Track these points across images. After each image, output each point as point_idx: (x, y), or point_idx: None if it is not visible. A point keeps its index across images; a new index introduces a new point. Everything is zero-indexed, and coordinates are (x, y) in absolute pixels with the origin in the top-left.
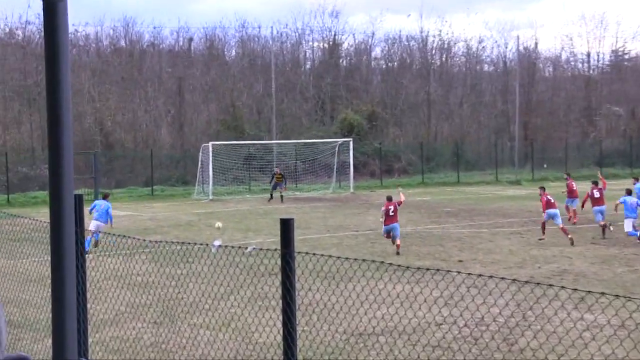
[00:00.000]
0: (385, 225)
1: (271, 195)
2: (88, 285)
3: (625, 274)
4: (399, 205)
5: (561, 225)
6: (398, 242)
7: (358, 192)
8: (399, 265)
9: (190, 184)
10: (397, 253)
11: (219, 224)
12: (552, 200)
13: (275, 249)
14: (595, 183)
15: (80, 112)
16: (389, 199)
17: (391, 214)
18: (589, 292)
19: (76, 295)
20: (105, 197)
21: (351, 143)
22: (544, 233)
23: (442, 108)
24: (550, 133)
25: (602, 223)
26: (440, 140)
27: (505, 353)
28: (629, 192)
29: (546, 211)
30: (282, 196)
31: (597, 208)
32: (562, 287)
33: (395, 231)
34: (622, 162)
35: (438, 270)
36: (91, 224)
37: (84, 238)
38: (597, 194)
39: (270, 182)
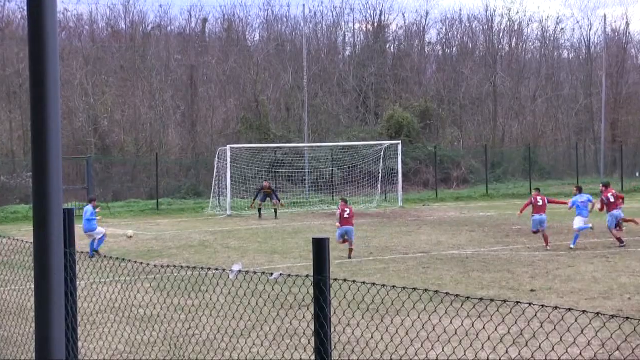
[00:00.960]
0: (339, 227)
1: (260, 212)
2: (80, 319)
3: None
4: None
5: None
6: (352, 246)
7: (408, 207)
8: (457, 296)
9: (204, 196)
10: (350, 257)
11: (130, 232)
12: (541, 204)
13: (307, 275)
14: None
15: (70, 108)
16: (344, 201)
17: (346, 216)
18: None
19: (64, 331)
20: (90, 202)
21: (400, 146)
22: (547, 243)
23: (511, 104)
24: None
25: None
26: (509, 143)
27: None
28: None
29: (532, 217)
30: (276, 210)
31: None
32: None
33: (350, 235)
34: None
35: (505, 301)
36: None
37: (74, 261)
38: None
39: (255, 199)
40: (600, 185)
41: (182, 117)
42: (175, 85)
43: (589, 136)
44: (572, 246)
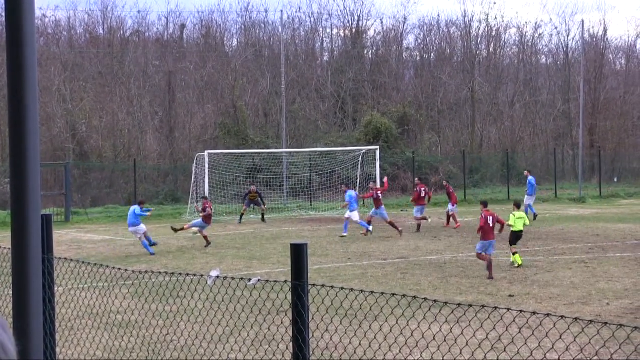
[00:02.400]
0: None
1: (241, 217)
2: (58, 324)
3: None
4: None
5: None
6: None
7: (387, 212)
8: (435, 301)
9: (182, 202)
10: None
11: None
12: (491, 224)
13: (285, 281)
14: None
15: (48, 114)
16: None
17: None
18: None
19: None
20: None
21: (378, 152)
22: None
23: (489, 109)
24: (623, 139)
25: None
26: (487, 148)
27: None
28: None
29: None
30: (263, 214)
31: None
32: (636, 327)
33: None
34: None
35: (483, 306)
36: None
37: (52, 267)
38: None
39: (243, 202)
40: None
41: (160, 123)
42: (153, 91)
43: (567, 142)
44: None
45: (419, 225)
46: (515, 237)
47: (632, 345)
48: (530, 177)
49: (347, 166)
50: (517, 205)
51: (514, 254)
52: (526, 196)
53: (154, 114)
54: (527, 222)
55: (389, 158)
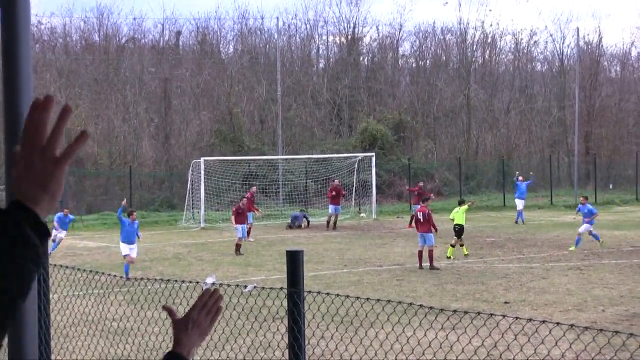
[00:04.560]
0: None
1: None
2: (53, 332)
3: None
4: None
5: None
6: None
7: (382, 219)
8: (431, 308)
9: (178, 209)
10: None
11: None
12: (423, 219)
13: (281, 288)
14: None
15: None
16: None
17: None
18: None
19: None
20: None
21: (373, 159)
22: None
23: (484, 116)
24: (618, 146)
25: None
26: (482, 155)
27: None
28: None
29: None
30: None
31: None
32: (632, 334)
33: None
34: None
35: (479, 313)
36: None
37: (47, 274)
38: None
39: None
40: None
41: (155, 130)
42: (148, 97)
43: (562, 148)
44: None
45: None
46: (455, 230)
47: (628, 352)
48: (520, 182)
49: (343, 173)
50: (460, 203)
51: (452, 245)
52: (522, 201)
53: (150, 121)
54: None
55: (384, 165)
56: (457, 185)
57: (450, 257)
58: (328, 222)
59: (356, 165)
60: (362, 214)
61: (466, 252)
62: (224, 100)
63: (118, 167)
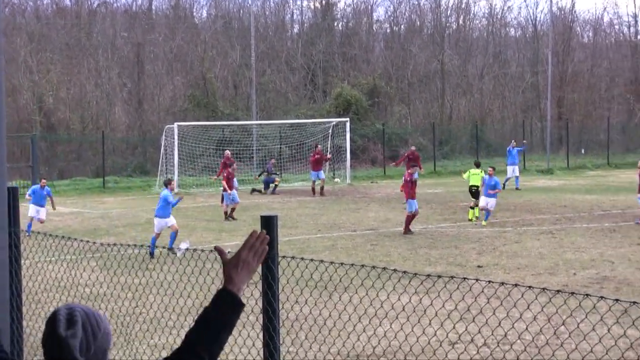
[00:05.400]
0: None
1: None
2: (24, 298)
3: None
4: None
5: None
6: None
7: (356, 184)
8: (404, 272)
9: (151, 175)
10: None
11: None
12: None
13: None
14: None
15: (14, 86)
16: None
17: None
18: (634, 303)
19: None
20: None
21: (348, 124)
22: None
23: (458, 81)
24: (590, 111)
25: None
26: (456, 121)
27: None
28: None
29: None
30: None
31: None
32: (602, 297)
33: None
34: None
35: (452, 277)
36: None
37: (19, 240)
38: None
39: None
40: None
41: (128, 95)
42: (121, 62)
43: (535, 114)
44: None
45: None
46: (470, 191)
47: (598, 315)
48: (512, 148)
49: (317, 138)
50: (476, 165)
51: (471, 207)
52: (514, 167)
53: (123, 86)
54: (484, 176)
55: (359, 130)
56: (431, 150)
57: (471, 220)
58: (313, 188)
59: (330, 131)
60: (336, 179)
61: (471, 217)
62: (198, 65)
63: (90, 132)
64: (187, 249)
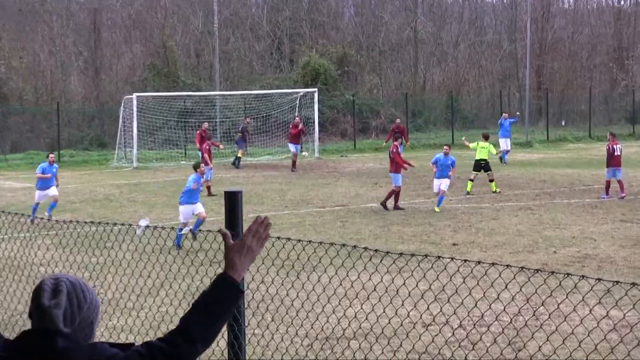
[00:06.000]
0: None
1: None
2: None
3: None
4: None
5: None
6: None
7: (325, 157)
8: (376, 251)
9: (109, 148)
10: None
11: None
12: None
13: (219, 230)
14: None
15: None
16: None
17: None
18: (617, 282)
19: None
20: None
21: (316, 94)
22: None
23: (432, 49)
24: (571, 81)
25: None
26: (430, 91)
27: None
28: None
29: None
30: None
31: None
32: (583, 276)
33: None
34: None
35: (426, 256)
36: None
37: None
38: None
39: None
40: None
41: (84, 64)
42: (77, 30)
43: (514, 83)
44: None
45: None
46: (476, 164)
47: (580, 295)
48: (504, 119)
49: (284, 109)
50: (485, 137)
51: (471, 180)
52: (506, 140)
53: (78, 54)
54: (493, 152)
55: (327, 101)
56: (403, 122)
57: (469, 193)
58: (294, 161)
59: (298, 102)
60: (304, 153)
61: (495, 189)
62: (158, 32)
63: (45, 103)
64: (147, 227)
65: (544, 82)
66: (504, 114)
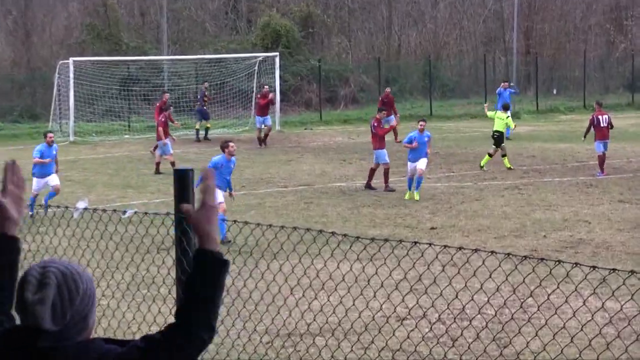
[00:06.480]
0: None
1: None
2: None
3: None
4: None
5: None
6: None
7: (287, 131)
8: (345, 235)
9: (42, 120)
10: None
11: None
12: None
13: (167, 213)
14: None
15: None
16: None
17: None
18: (614, 270)
19: None
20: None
21: (277, 59)
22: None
23: (408, 9)
24: (563, 44)
25: None
26: (405, 55)
27: (496, 358)
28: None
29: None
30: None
31: None
32: (576, 263)
33: None
34: None
35: (401, 241)
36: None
37: None
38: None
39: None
40: None
41: (14, 25)
42: None
43: (499, 47)
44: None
45: None
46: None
47: (572, 284)
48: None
49: (241, 76)
50: (504, 108)
51: (489, 155)
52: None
53: (6, 14)
54: (511, 125)
55: (290, 67)
56: (375, 91)
57: (482, 167)
58: (259, 137)
59: (256, 67)
60: (263, 126)
61: (509, 165)
62: None
63: None
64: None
65: (533, 45)
66: (503, 83)
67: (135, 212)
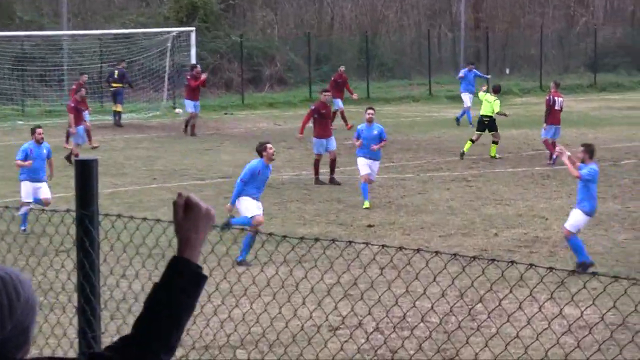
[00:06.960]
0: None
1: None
2: None
3: (630, 242)
4: None
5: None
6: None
7: (205, 116)
8: (270, 234)
9: None
10: None
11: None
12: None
13: (67, 210)
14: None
15: None
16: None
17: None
18: (573, 272)
19: None
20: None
21: (193, 35)
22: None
23: None
24: (517, 17)
25: None
26: (339, 30)
27: None
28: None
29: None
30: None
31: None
32: (532, 264)
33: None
34: (628, 65)
35: (334, 241)
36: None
37: None
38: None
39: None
40: None
41: None
42: None
43: (445, 21)
44: None
45: None
46: (480, 122)
47: (527, 288)
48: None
49: (152, 54)
50: (495, 90)
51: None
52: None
53: None
54: (496, 108)
55: (208, 43)
56: (305, 70)
57: (464, 153)
58: (187, 124)
59: (170, 44)
60: (177, 110)
61: (494, 154)
62: None
63: None
64: None
65: (484, 19)
66: (469, 65)
67: (31, 209)
